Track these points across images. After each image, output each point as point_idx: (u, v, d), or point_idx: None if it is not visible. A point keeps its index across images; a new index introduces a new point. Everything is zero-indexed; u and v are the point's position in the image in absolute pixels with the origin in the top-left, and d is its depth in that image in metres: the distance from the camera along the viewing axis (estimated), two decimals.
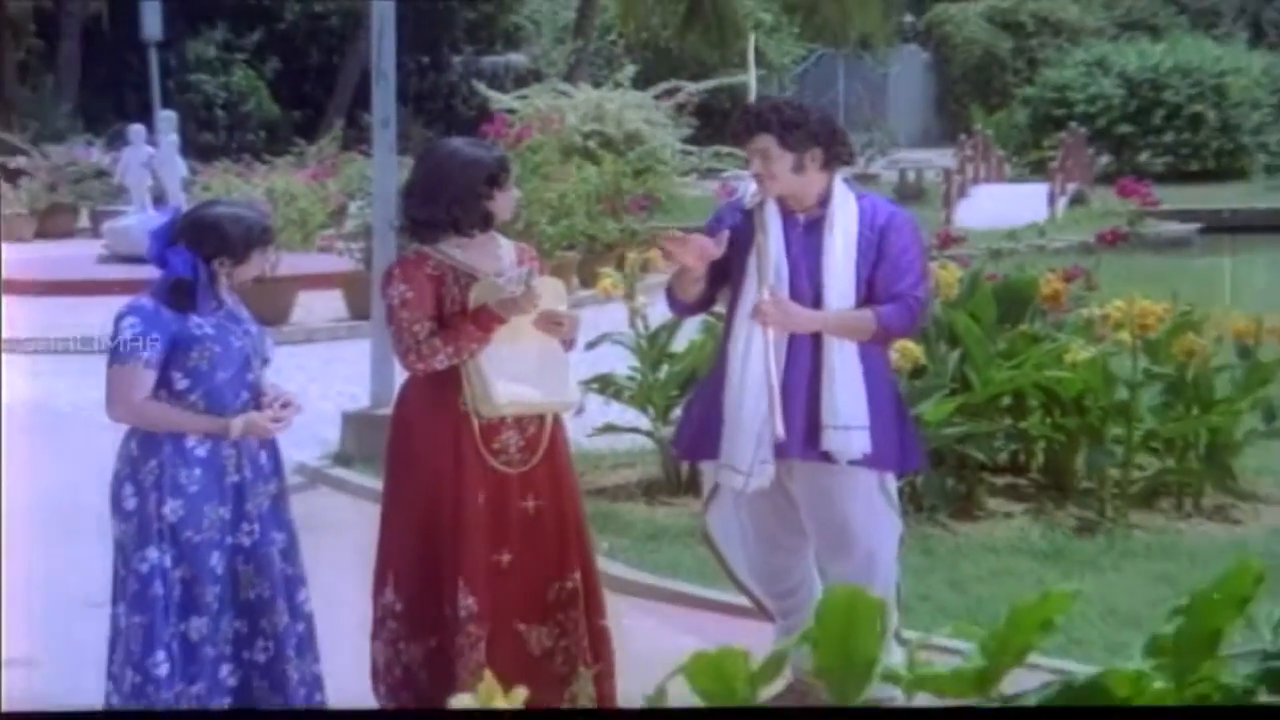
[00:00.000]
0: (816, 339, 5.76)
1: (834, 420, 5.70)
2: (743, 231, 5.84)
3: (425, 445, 5.71)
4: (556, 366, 5.84)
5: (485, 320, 5.61)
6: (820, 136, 5.82)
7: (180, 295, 5.37)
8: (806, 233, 5.82)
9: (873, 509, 5.85)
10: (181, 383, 5.35)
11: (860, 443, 5.70)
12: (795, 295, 5.77)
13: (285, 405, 5.57)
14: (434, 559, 5.71)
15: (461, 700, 1.51)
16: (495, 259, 5.81)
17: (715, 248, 5.71)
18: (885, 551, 5.89)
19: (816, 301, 5.77)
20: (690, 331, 9.23)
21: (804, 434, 5.74)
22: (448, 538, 5.67)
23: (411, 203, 5.81)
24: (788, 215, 5.83)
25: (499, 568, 5.72)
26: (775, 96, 6.40)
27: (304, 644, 5.54)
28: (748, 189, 6.03)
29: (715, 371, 6.03)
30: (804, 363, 5.75)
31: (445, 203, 5.69)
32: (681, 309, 6.36)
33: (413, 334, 5.60)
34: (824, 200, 5.84)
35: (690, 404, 6.55)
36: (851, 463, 5.73)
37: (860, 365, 5.75)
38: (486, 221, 5.78)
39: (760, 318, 5.68)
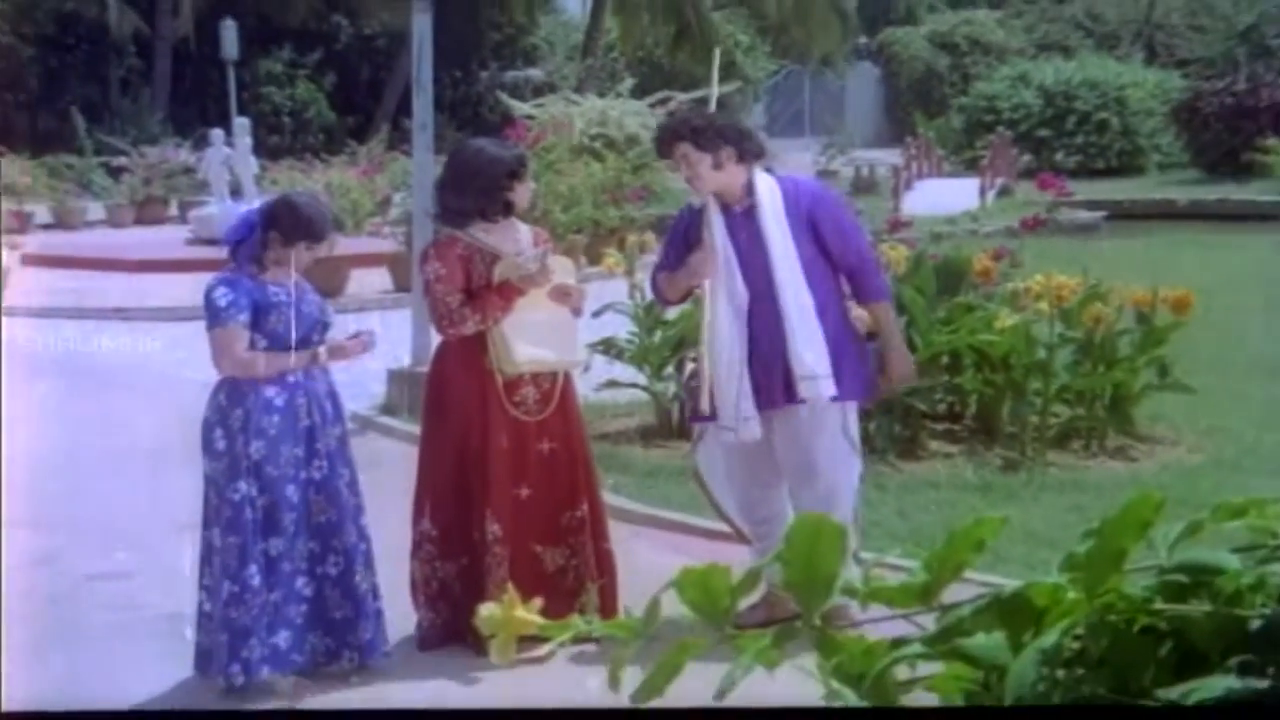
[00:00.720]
0: (775, 308, 5.73)
1: (804, 372, 5.69)
2: (698, 227, 5.83)
3: (458, 398, 5.71)
4: (567, 331, 5.85)
5: (507, 292, 5.61)
6: (728, 135, 5.80)
7: (239, 252, 5.46)
8: (744, 220, 5.78)
9: (836, 448, 5.85)
10: (260, 342, 5.39)
11: (827, 387, 5.71)
12: (748, 275, 5.73)
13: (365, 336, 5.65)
14: (465, 492, 5.71)
15: (487, 609, 1.50)
16: (515, 241, 5.81)
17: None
18: (846, 484, 5.89)
19: (768, 276, 5.74)
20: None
21: (782, 387, 5.74)
22: (476, 474, 5.68)
23: (444, 194, 5.81)
24: (725, 209, 5.79)
25: (519, 499, 5.73)
26: (685, 112, 6.37)
27: (367, 559, 5.58)
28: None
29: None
30: (770, 329, 5.74)
31: (473, 193, 5.68)
32: (666, 303, 6.44)
33: (446, 304, 5.60)
34: (749, 190, 5.82)
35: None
36: (832, 399, 5.75)
37: (818, 321, 5.74)
38: (507, 209, 5.77)
39: (893, 384, 5.96)
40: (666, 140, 5.86)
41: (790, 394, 5.72)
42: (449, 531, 5.74)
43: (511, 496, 5.71)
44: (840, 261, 5.82)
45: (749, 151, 5.84)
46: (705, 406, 5.81)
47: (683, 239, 5.91)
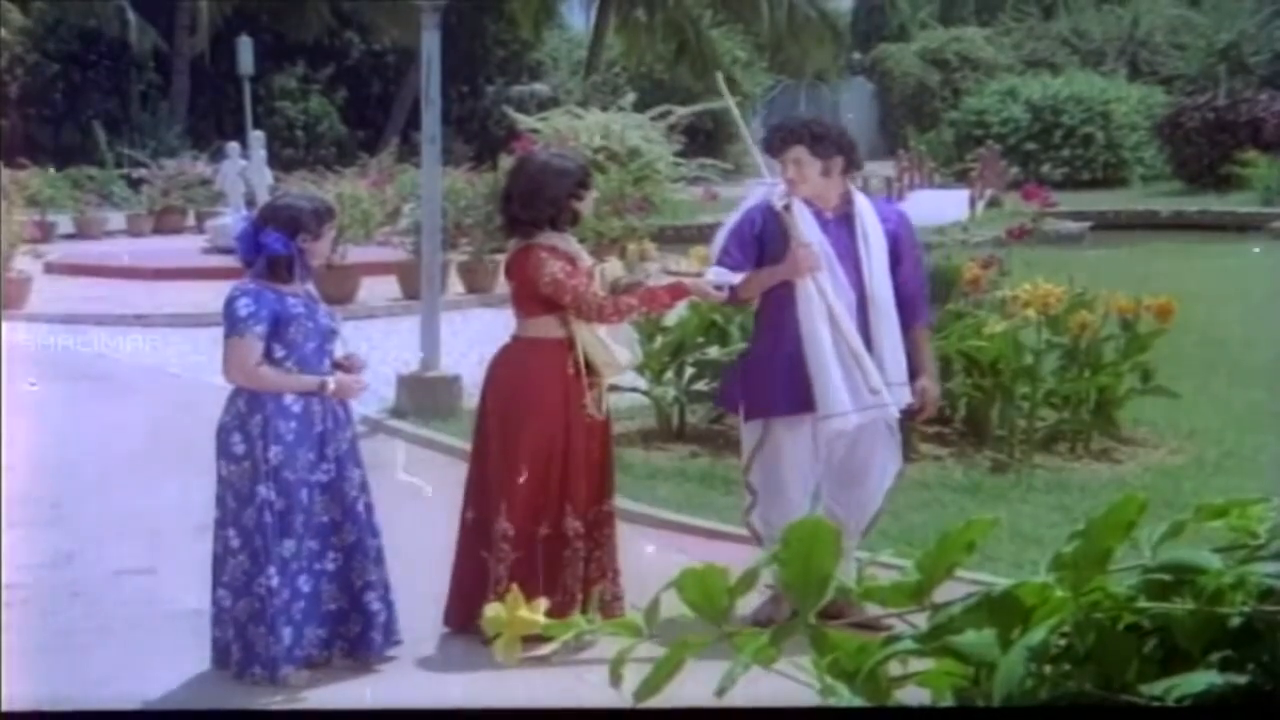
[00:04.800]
0: (864, 312, 5.71)
1: (889, 378, 5.70)
2: (775, 228, 5.74)
3: (545, 402, 5.72)
4: (625, 333, 5.97)
5: (680, 293, 5.85)
6: (842, 147, 5.79)
7: (279, 270, 5.39)
8: (838, 226, 5.75)
9: (890, 451, 5.94)
10: (279, 352, 5.38)
11: (903, 395, 5.76)
12: (840, 280, 5.69)
13: (361, 367, 5.64)
14: (544, 490, 5.71)
15: (492, 609, 1.49)
16: (576, 248, 5.86)
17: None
18: (886, 485, 5.96)
19: (859, 285, 5.72)
20: (678, 309, 9.23)
21: (865, 388, 5.70)
22: (558, 473, 5.70)
23: (512, 206, 5.79)
24: (817, 213, 5.75)
25: (591, 495, 5.78)
26: (804, 115, 6.34)
27: (378, 555, 5.57)
28: (772, 192, 5.85)
29: (780, 346, 5.78)
30: (860, 332, 5.73)
31: (542, 204, 5.68)
32: (735, 302, 6.27)
33: (594, 294, 5.64)
34: (847, 199, 5.80)
35: (762, 374, 5.91)
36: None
37: (900, 332, 5.78)
38: (575, 218, 5.81)
39: (926, 405, 5.88)
40: (782, 142, 5.76)
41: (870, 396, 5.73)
42: (524, 529, 5.72)
43: (593, 493, 5.80)
44: (904, 284, 5.85)
45: (854, 163, 5.87)
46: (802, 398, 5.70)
47: (755, 240, 5.78)
